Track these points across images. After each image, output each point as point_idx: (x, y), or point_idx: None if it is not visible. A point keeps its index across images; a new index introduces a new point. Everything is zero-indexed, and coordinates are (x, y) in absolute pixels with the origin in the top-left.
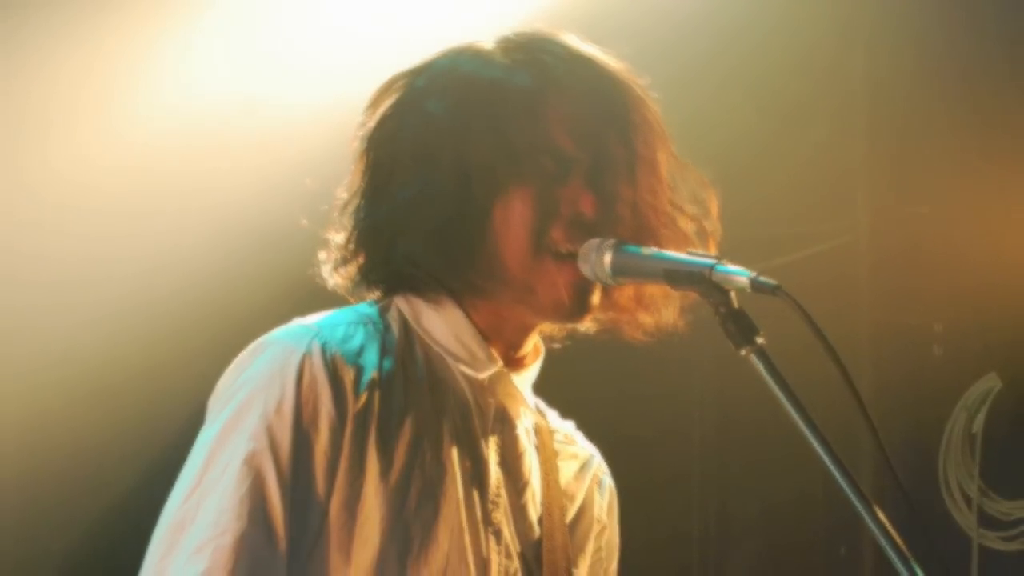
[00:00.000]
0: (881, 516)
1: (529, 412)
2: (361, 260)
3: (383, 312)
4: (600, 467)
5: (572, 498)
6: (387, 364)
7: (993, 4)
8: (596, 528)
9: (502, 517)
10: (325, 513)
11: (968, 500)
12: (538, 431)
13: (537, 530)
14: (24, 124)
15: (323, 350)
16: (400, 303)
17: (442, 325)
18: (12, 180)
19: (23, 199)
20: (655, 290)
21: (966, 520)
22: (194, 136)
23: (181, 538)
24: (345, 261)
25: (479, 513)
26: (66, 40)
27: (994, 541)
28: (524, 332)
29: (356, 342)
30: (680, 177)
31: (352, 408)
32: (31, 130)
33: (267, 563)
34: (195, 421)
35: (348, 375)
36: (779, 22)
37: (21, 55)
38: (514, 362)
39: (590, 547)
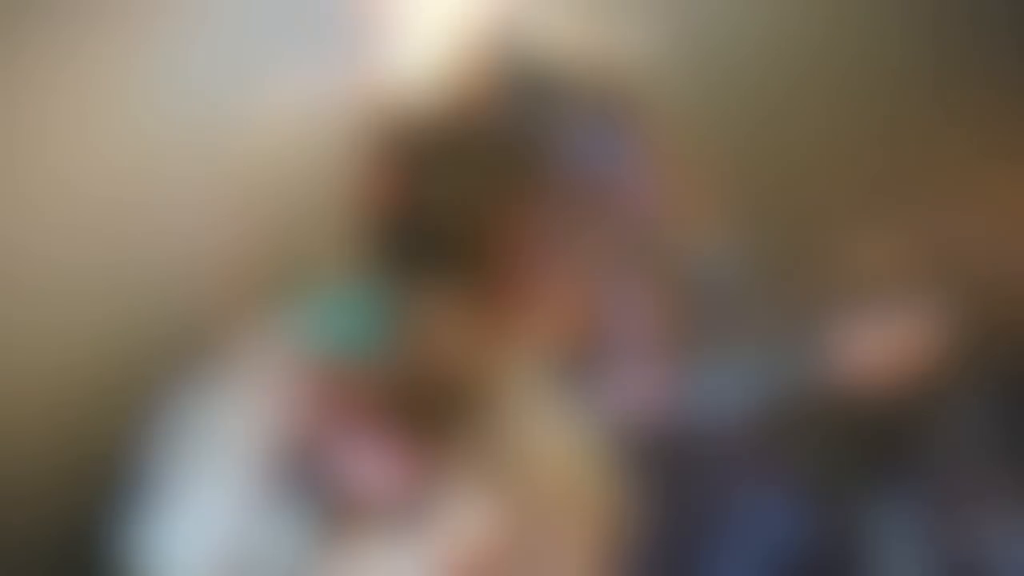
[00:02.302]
0: (869, 509)
1: (530, 405)
2: (362, 257)
3: (383, 307)
4: (600, 457)
5: (572, 488)
6: (387, 359)
7: None
8: (595, 516)
9: (503, 507)
10: (327, 507)
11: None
12: (539, 424)
13: (538, 520)
14: (22, 124)
15: (323, 344)
16: (401, 298)
17: (443, 320)
18: (10, 181)
19: (22, 200)
20: None
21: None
22: (194, 136)
23: (178, 532)
24: (346, 258)
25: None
26: (64, 41)
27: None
28: (525, 326)
29: (356, 337)
30: (678, 172)
31: (352, 402)
32: (29, 131)
33: (269, 556)
34: (191, 417)
35: (348, 370)
36: (776, 19)
37: (19, 57)
38: (515, 356)
39: (590, 536)
